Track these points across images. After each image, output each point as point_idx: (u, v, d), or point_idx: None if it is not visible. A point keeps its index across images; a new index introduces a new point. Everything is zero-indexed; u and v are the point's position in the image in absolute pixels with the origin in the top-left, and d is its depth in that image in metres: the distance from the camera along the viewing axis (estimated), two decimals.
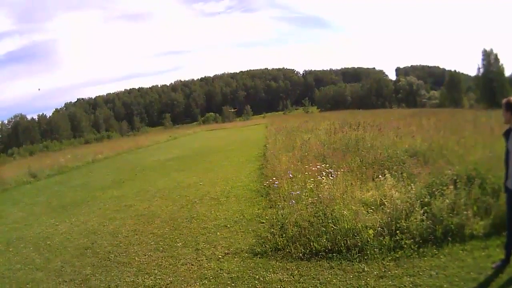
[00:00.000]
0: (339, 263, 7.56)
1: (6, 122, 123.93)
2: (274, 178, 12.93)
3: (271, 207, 11.62)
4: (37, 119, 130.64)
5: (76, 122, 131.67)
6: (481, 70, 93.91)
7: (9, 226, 14.99)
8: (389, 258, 7.45)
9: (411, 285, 6.41)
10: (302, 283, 7.04)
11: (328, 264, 7.58)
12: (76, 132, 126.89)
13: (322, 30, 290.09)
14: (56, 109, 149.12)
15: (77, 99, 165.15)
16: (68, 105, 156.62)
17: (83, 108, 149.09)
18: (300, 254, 8.06)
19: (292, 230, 8.77)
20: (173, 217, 12.68)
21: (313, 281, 7.04)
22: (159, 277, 8.27)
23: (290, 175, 12.38)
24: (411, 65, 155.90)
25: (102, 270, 9.23)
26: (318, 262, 7.74)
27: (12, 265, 10.45)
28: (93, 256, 10.23)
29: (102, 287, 8.28)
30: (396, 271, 6.97)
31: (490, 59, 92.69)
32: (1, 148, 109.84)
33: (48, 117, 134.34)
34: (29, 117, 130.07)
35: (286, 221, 9.24)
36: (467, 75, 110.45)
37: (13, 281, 9.32)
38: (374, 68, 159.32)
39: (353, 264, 7.43)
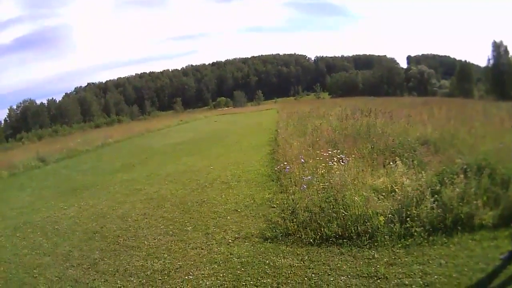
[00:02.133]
0: (349, 249, 7.57)
1: (15, 107, 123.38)
2: (285, 163, 12.96)
3: (282, 192, 11.61)
4: (46, 104, 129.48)
5: (86, 107, 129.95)
6: (491, 62, 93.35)
7: (16, 210, 14.93)
8: (399, 245, 7.44)
9: (420, 273, 6.41)
10: (312, 268, 7.04)
11: (338, 250, 7.58)
12: (86, 117, 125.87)
13: (334, 16, 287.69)
14: (66, 93, 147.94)
15: (88, 83, 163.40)
16: (78, 90, 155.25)
17: (93, 93, 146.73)
18: (311, 240, 8.08)
19: (303, 215, 8.77)
20: (183, 201, 12.67)
21: (323, 267, 7.05)
22: (169, 261, 8.29)
23: (302, 160, 12.36)
24: (422, 54, 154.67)
25: (110, 254, 9.24)
26: (328, 248, 7.75)
27: (19, 250, 10.43)
28: (101, 240, 10.23)
29: (110, 272, 8.29)
30: (406, 259, 6.96)
31: (500, 51, 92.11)
32: (9, 133, 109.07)
33: (57, 101, 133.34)
34: (38, 102, 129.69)
35: (297, 206, 9.23)
36: (477, 65, 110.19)
37: (19, 266, 9.33)
38: (385, 55, 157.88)
39: (363, 251, 7.43)
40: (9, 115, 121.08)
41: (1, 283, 8.57)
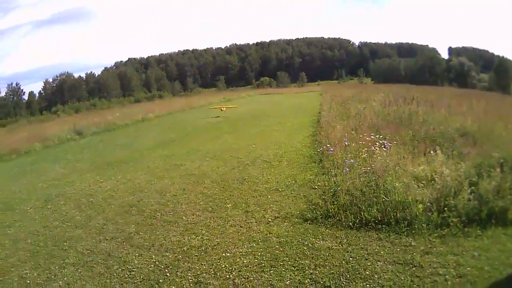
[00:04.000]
0: (387, 235, 7.59)
1: (50, 80, 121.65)
2: (328, 145, 12.99)
3: (323, 174, 11.62)
4: (84, 78, 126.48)
5: (126, 81, 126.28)
6: None
7: (48, 182, 15.10)
8: (436, 234, 7.44)
9: (454, 264, 6.42)
10: (350, 252, 7.08)
11: (376, 235, 7.61)
12: (126, 91, 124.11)
13: (379, 3, 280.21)
14: (105, 67, 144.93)
15: (128, 58, 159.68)
16: (118, 64, 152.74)
17: (134, 68, 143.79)
18: (350, 223, 8.11)
19: (344, 198, 8.81)
20: (224, 178, 12.79)
21: (361, 251, 7.09)
22: (207, 238, 8.36)
23: (346, 143, 12.42)
24: (463, 46, 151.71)
25: (146, 228, 9.33)
26: (367, 232, 7.78)
27: (49, 222, 10.55)
28: (138, 214, 10.32)
29: (145, 246, 8.37)
30: (441, 249, 6.97)
31: None
32: (44, 105, 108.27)
33: (96, 75, 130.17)
34: (76, 75, 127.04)
35: (339, 188, 9.29)
36: None
37: (48, 238, 9.44)
38: (427, 45, 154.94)
39: (401, 238, 7.45)
40: (44, 88, 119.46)
41: (28, 255, 8.65)
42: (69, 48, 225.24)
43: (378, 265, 6.60)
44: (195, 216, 9.68)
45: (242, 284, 6.53)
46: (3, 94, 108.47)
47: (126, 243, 8.65)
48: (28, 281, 7.47)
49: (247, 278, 6.69)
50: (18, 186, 15.33)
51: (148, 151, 19.47)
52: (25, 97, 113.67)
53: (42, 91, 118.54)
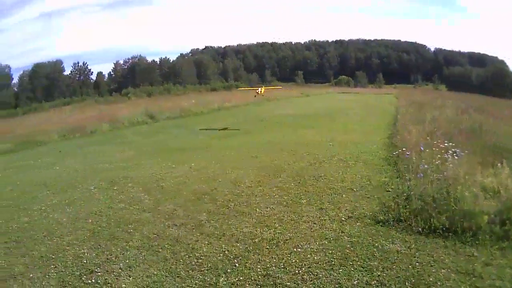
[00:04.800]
0: (453, 243, 7.75)
1: (121, 62, 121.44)
2: (404, 149, 13.13)
3: (398, 177, 11.87)
4: (158, 62, 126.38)
5: (203, 69, 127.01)
6: None
7: (115, 164, 15.60)
8: (497, 246, 7.59)
9: (509, 278, 6.57)
10: (417, 257, 7.27)
11: (443, 243, 7.78)
12: (201, 79, 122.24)
13: (452, 11, 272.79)
14: (181, 54, 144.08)
15: (205, 46, 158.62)
16: (194, 52, 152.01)
17: (211, 56, 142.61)
18: (420, 229, 8.30)
19: (416, 203, 8.99)
20: (300, 173, 13.00)
21: (427, 257, 7.27)
22: (279, 232, 8.62)
23: (422, 148, 12.52)
24: None
25: (218, 217, 9.61)
26: (434, 239, 7.95)
27: (114, 204, 10.93)
28: (210, 203, 10.63)
29: (216, 235, 8.63)
30: (501, 261, 7.11)
31: None
32: (114, 87, 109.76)
33: (171, 61, 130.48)
34: (149, 59, 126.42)
35: (412, 193, 9.48)
36: None
37: (112, 219, 9.78)
38: (496, 57, 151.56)
39: (465, 247, 7.60)
40: (114, 70, 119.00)
41: (87, 235, 8.87)
42: (141, 32, 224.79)
43: (441, 273, 6.75)
44: (268, 209, 9.95)
45: (311, 281, 6.70)
46: (68, 72, 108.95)
47: (196, 230, 8.90)
48: (85, 261, 7.70)
49: (316, 275, 6.84)
50: (82, 165, 16.01)
51: (223, 141, 20.00)
52: (93, 77, 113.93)
53: (112, 73, 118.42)
